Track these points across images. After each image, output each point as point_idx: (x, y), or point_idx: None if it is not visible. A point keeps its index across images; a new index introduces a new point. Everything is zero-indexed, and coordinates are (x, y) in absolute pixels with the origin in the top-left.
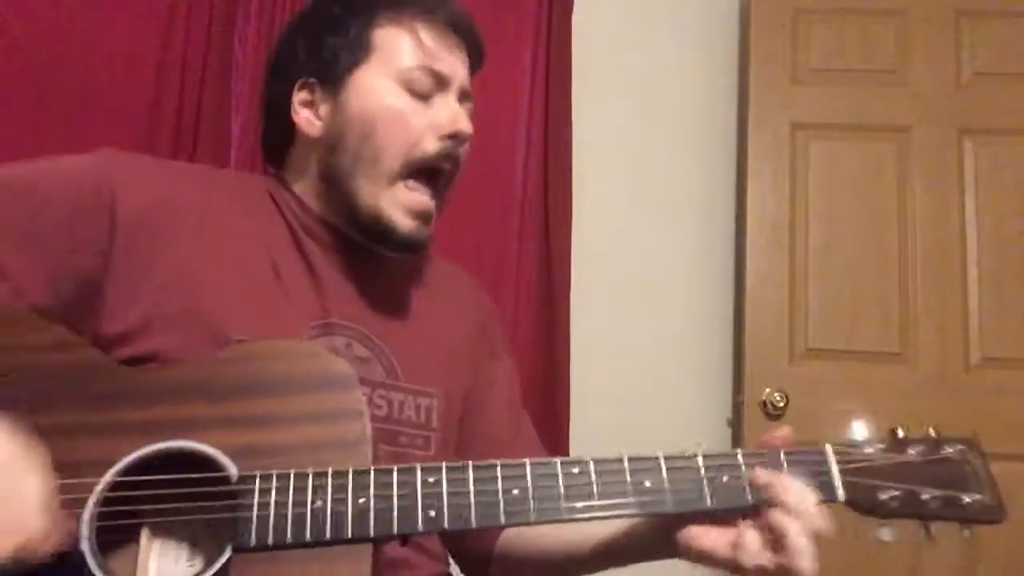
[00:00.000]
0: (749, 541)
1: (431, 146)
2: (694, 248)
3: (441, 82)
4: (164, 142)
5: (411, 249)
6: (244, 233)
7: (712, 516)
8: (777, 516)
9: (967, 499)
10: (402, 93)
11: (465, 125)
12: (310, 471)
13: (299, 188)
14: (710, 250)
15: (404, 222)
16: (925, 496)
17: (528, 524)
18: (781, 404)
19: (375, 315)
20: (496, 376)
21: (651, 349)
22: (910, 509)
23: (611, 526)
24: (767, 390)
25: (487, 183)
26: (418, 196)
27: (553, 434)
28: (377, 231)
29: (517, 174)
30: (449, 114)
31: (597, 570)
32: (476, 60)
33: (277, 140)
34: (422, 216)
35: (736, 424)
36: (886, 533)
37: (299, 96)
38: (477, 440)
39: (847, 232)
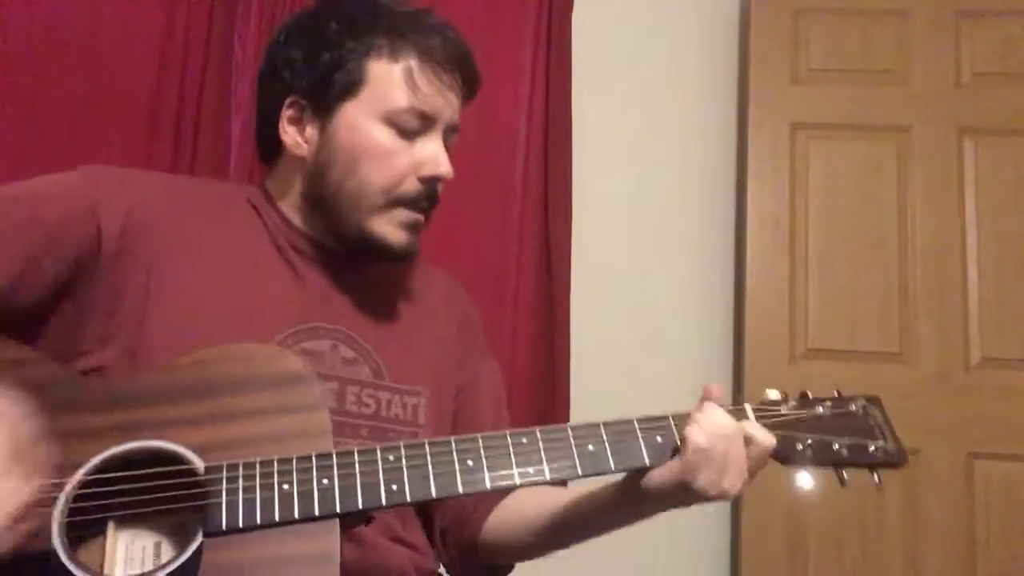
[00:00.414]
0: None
1: (411, 186)
2: (694, 248)
3: (428, 122)
4: (164, 143)
5: (405, 260)
6: (226, 245)
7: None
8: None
9: (872, 446)
10: (388, 132)
11: (446, 169)
12: (275, 458)
13: (283, 203)
14: (710, 250)
15: (397, 236)
16: (836, 445)
17: (484, 491)
18: None
19: (359, 318)
20: (481, 373)
21: (651, 350)
22: (824, 456)
23: (583, 495)
24: (767, 390)
25: (487, 183)
26: (406, 211)
27: None
28: (369, 249)
29: (517, 174)
30: (432, 156)
31: (579, 538)
32: (471, 92)
33: (267, 145)
34: (413, 227)
35: None
36: (804, 479)
37: (287, 112)
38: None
39: (847, 232)
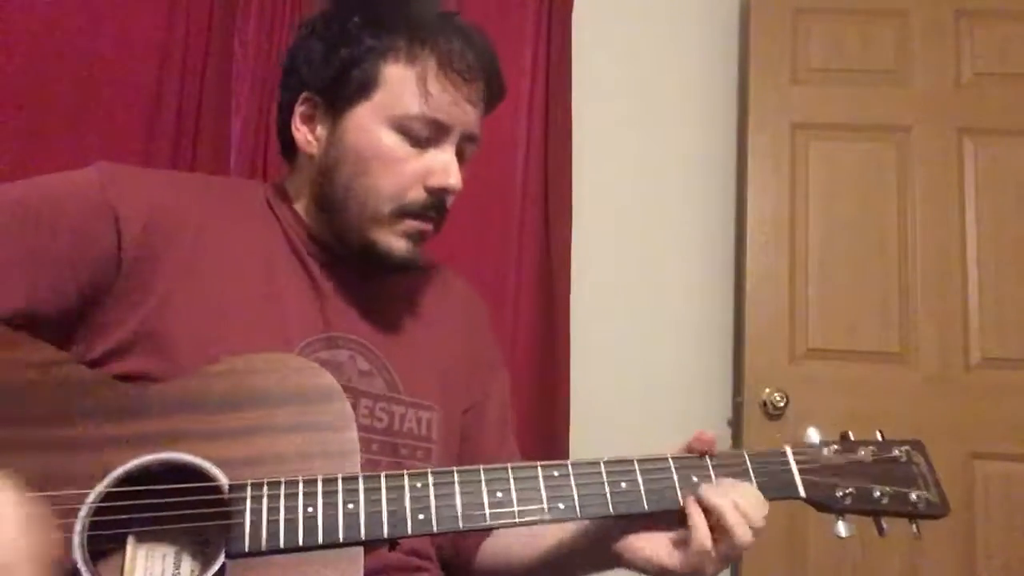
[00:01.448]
0: (698, 538)
1: (418, 195)
2: (694, 248)
3: (441, 131)
4: (164, 143)
5: (405, 269)
6: (243, 246)
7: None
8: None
9: (914, 496)
10: (397, 138)
11: (455, 181)
12: (300, 478)
13: (297, 204)
14: (710, 250)
15: (399, 245)
16: (877, 493)
17: (513, 525)
18: (781, 404)
19: (375, 329)
20: (490, 390)
21: (651, 350)
22: (864, 505)
23: (559, 536)
24: (767, 390)
25: (487, 183)
26: (411, 222)
27: (553, 434)
28: (370, 257)
29: (517, 174)
30: (442, 166)
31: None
32: (492, 103)
33: (284, 141)
34: (416, 237)
35: (736, 424)
36: (842, 528)
37: (301, 108)
38: (467, 455)
39: (847, 232)
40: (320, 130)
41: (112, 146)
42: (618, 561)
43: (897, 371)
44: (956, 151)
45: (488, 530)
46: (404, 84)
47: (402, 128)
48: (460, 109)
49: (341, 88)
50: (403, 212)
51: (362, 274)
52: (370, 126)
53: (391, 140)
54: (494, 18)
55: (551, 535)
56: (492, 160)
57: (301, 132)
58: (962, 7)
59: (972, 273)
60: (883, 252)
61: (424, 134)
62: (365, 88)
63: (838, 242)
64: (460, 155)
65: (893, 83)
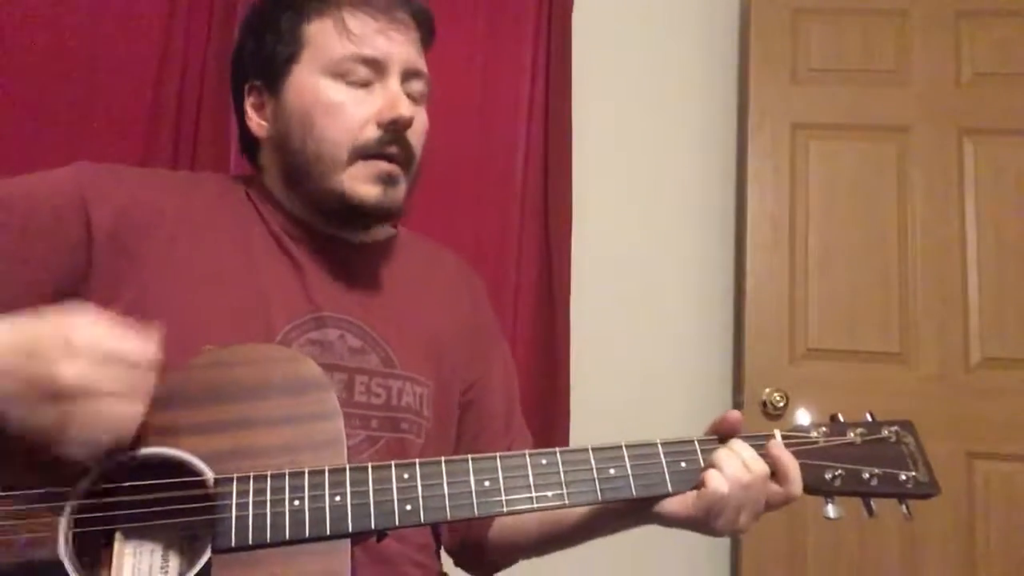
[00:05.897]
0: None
1: (372, 133)
2: (694, 248)
3: (378, 68)
4: (164, 142)
5: (386, 217)
6: (223, 238)
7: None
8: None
9: (903, 476)
10: (337, 85)
11: (405, 109)
12: (286, 472)
13: (272, 188)
14: (710, 250)
15: (370, 191)
16: (866, 475)
17: (502, 515)
18: (781, 404)
19: (365, 305)
20: (493, 367)
21: (651, 349)
22: (853, 487)
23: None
24: (767, 390)
25: (487, 182)
26: (377, 163)
27: (553, 433)
28: (346, 210)
29: (517, 173)
30: (387, 100)
31: (582, 541)
32: (425, 34)
33: (246, 142)
34: (386, 180)
35: None
36: (831, 510)
37: (249, 100)
38: (471, 432)
39: (847, 232)
40: (268, 110)
41: (112, 146)
42: (643, 518)
43: (897, 371)
44: (956, 151)
45: (478, 519)
46: (325, 34)
47: (337, 73)
48: (388, 39)
49: (274, 65)
50: (361, 153)
51: (346, 249)
52: (306, 83)
53: (330, 88)
54: (494, 18)
55: None
56: (492, 159)
57: (254, 120)
58: (962, 7)
59: (972, 273)
60: (883, 252)
61: (361, 74)
62: (294, 54)
63: (838, 242)
64: (411, 97)
65: (893, 83)
